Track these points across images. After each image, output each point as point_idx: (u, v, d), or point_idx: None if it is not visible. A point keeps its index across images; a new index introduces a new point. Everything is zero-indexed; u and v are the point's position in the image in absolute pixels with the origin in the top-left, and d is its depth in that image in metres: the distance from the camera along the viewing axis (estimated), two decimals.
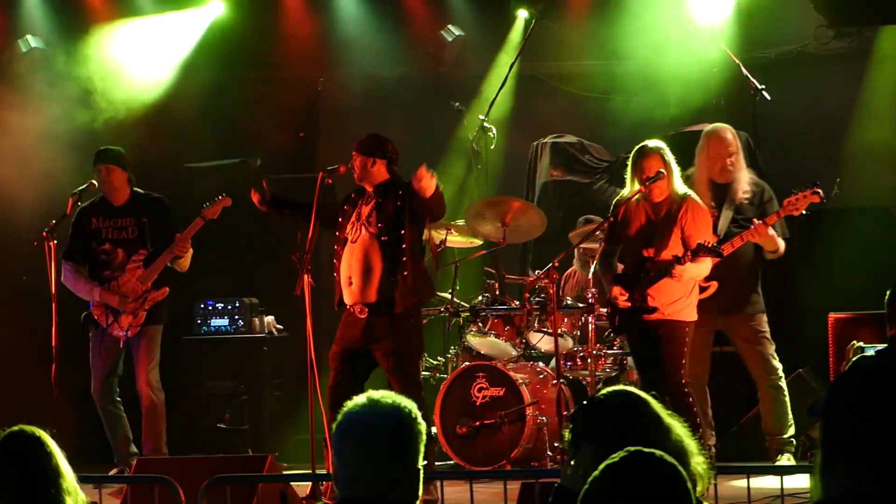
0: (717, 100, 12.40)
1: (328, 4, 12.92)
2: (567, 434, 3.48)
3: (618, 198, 9.05)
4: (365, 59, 12.86)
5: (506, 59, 12.31)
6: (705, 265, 8.63)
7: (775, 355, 9.28)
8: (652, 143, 8.82)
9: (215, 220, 9.95)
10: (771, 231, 8.96)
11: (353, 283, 8.61)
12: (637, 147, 8.80)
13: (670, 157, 8.67)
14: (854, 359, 2.95)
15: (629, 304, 8.66)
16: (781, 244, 9.14)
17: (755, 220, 8.96)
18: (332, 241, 8.93)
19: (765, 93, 10.66)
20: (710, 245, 8.47)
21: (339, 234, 8.75)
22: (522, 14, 12.70)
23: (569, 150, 12.34)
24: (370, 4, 12.88)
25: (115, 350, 9.87)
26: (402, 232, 8.56)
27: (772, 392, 9.29)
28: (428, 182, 8.33)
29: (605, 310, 9.57)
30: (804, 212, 8.92)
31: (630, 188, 8.75)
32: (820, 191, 8.83)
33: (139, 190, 10.07)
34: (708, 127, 9.52)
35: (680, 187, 8.73)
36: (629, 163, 8.81)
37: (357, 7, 12.88)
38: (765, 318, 9.30)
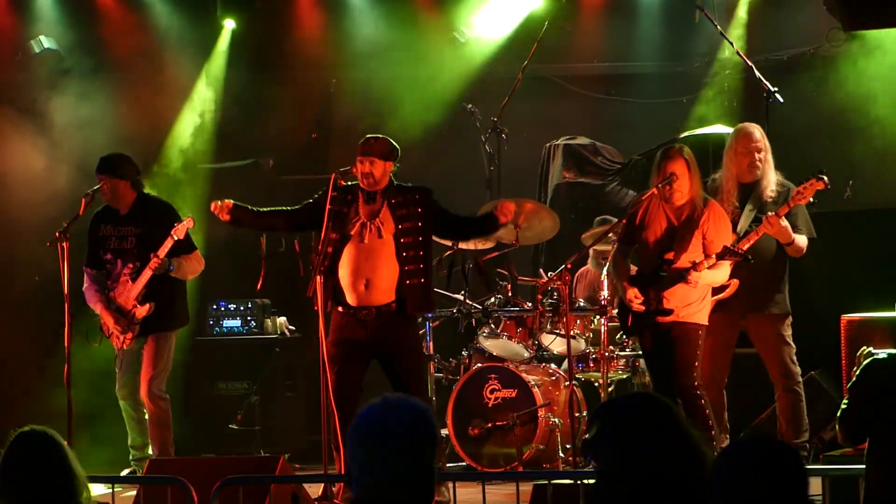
0: (729, 102, 12.40)
1: (341, 6, 12.93)
2: (592, 429, 3.48)
3: (634, 198, 9.00)
4: (377, 60, 12.87)
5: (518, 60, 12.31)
6: (722, 272, 8.60)
7: (795, 360, 9.22)
8: (675, 148, 8.78)
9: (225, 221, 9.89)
10: (784, 222, 8.91)
11: (367, 284, 8.51)
12: (660, 151, 8.79)
13: (693, 163, 8.62)
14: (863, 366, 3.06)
15: (644, 308, 8.65)
16: (800, 240, 9.07)
17: (768, 214, 8.93)
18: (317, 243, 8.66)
19: (777, 95, 10.64)
20: (735, 248, 8.46)
21: (335, 236, 8.52)
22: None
23: (581, 152, 12.34)
24: (382, 6, 12.88)
25: (124, 355, 9.84)
26: (421, 239, 8.53)
27: (788, 396, 9.24)
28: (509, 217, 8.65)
29: (615, 311, 9.57)
30: (812, 199, 8.89)
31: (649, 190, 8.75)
32: (825, 177, 8.81)
33: (149, 193, 9.99)
34: (738, 125, 9.48)
35: (702, 192, 8.70)
36: (654, 166, 8.78)
37: (369, 9, 12.89)
38: (789, 320, 9.20)
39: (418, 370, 8.58)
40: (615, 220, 10.11)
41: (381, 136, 8.68)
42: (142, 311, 9.64)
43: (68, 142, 11.91)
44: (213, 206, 8.79)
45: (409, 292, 8.48)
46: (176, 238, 9.51)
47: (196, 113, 12.38)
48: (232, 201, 8.75)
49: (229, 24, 12.68)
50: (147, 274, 9.60)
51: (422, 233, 8.55)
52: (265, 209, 8.87)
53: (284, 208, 8.83)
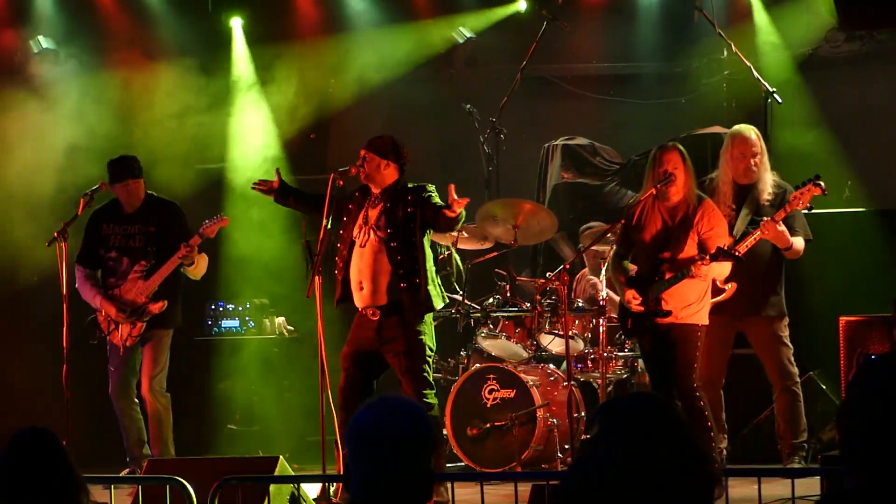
0: (727, 103, 12.41)
1: (339, 5, 12.92)
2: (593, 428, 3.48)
3: (631, 200, 9.00)
4: (376, 60, 12.86)
5: (517, 60, 12.30)
6: (723, 266, 8.61)
7: (792, 360, 9.24)
8: (669, 144, 8.79)
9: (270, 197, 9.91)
10: (781, 227, 8.92)
11: (363, 287, 8.55)
12: (655, 148, 8.79)
13: (687, 159, 8.64)
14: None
15: (643, 308, 8.65)
16: (797, 242, 9.08)
17: (764, 219, 8.93)
18: (335, 239, 8.81)
19: (776, 95, 10.64)
20: (728, 249, 8.46)
21: (345, 235, 8.67)
22: (522, 6, 12.67)
23: (580, 153, 12.33)
24: (381, 5, 12.88)
25: (120, 355, 9.85)
26: (413, 239, 8.51)
27: (786, 397, 9.25)
28: (459, 208, 8.28)
29: (614, 313, 9.57)
30: (809, 205, 8.91)
31: (644, 189, 8.74)
32: (822, 183, 8.82)
33: (153, 193, 10.04)
34: (733, 127, 9.47)
35: (695, 190, 8.70)
36: (648, 163, 8.78)
37: (368, 8, 12.88)
38: (785, 321, 9.23)
39: (416, 370, 8.56)
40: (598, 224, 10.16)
41: (390, 136, 8.74)
42: (154, 308, 9.71)
43: (69, 141, 11.88)
44: (259, 184, 9.03)
45: (403, 295, 8.49)
46: (204, 237, 9.69)
47: (198, 114, 12.37)
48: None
49: (236, 23, 12.70)
50: (167, 270, 9.70)
51: (414, 234, 8.53)
52: (305, 192, 9.11)
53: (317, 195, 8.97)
